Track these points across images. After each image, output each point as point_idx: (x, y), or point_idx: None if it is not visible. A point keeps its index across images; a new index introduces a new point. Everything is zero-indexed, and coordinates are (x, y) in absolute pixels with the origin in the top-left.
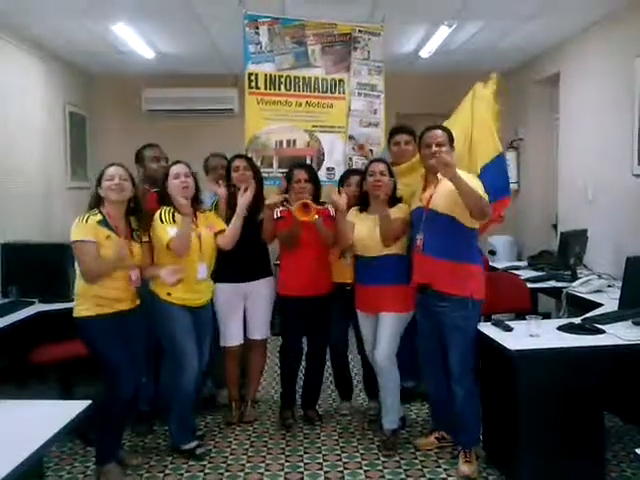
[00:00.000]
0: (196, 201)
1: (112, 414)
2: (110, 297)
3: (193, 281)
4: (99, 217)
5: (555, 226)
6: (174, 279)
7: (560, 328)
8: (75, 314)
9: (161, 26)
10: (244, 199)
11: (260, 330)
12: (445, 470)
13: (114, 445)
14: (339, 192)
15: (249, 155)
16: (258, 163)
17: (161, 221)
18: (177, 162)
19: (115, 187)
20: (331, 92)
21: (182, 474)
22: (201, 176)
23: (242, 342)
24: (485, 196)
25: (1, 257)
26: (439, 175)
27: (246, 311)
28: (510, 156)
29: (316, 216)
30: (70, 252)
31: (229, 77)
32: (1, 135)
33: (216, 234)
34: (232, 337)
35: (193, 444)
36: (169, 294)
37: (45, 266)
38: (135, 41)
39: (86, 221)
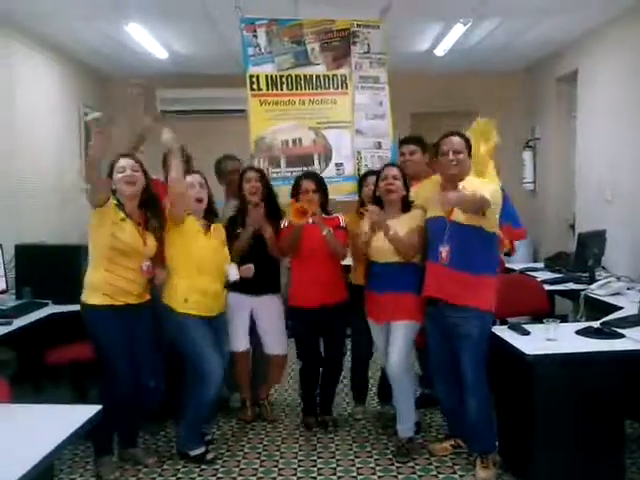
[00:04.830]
0: (210, 213)
1: (107, 409)
2: (120, 286)
3: (211, 287)
4: (115, 201)
5: (573, 227)
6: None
7: (578, 332)
8: (82, 299)
9: (174, 27)
10: (251, 223)
11: (278, 346)
12: (461, 476)
13: (109, 439)
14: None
15: (255, 157)
16: (265, 164)
17: None
18: (192, 172)
19: (128, 179)
20: (334, 88)
21: (194, 478)
22: (212, 180)
23: (248, 347)
24: (488, 197)
25: (15, 259)
26: (459, 184)
27: (258, 328)
28: (527, 156)
29: (326, 230)
30: (84, 253)
31: (242, 78)
32: (16, 136)
33: None
34: (237, 343)
35: (202, 450)
36: (186, 300)
37: (59, 268)
38: (149, 41)
39: None
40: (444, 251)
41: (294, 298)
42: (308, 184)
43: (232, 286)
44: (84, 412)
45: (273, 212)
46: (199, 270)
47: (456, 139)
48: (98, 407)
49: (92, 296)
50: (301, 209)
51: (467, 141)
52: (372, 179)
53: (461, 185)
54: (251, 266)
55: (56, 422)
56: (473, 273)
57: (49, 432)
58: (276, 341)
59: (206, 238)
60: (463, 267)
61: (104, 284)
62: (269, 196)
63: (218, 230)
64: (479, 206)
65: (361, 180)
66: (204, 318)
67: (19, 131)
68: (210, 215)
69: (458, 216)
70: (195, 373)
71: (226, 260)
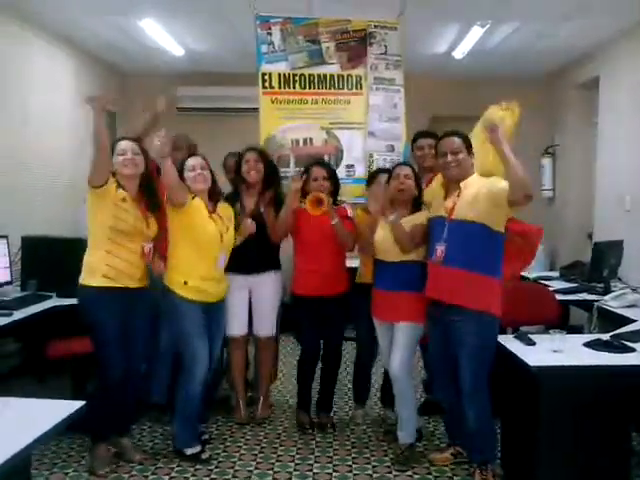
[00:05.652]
0: (215, 193)
1: (101, 395)
2: (120, 269)
3: (212, 271)
4: (115, 182)
5: (591, 236)
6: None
7: (586, 344)
8: (80, 281)
9: (189, 23)
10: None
11: (266, 327)
12: None
13: (104, 427)
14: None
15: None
16: (275, 163)
17: None
18: (192, 155)
19: (128, 162)
20: (348, 88)
21: (188, 478)
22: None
23: (246, 333)
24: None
25: (21, 251)
26: (462, 184)
27: (252, 306)
28: (546, 162)
29: (335, 219)
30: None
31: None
32: (29, 129)
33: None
34: (234, 327)
35: (197, 449)
36: (186, 283)
37: (64, 260)
38: (164, 38)
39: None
40: (439, 249)
41: (296, 286)
42: (319, 171)
43: (229, 267)
44: (66, 408)
45: (276, 197)
46: (201, 252)
47: (454, 139)
48: (81, 403)
49: (90, 277)
50: (318, 198)
51: (466, 140)
52: (383, 177)
53: (463, 185)
54: (252, 223)
55: (36, 417)
56: (469, 270)
57: (27, 427)
58: (267, 322)
59: (212, 221)
60: (458, 264)
61: (103, 265)
62: (272, 180)
63: (225, 209)
64: (523, 179)
65: (370, 178)
66: (202, 304)
67: (34, 125)
68: (215, 195)
69: (464, 213)
70: (182, 363)
71: (231, 241)
